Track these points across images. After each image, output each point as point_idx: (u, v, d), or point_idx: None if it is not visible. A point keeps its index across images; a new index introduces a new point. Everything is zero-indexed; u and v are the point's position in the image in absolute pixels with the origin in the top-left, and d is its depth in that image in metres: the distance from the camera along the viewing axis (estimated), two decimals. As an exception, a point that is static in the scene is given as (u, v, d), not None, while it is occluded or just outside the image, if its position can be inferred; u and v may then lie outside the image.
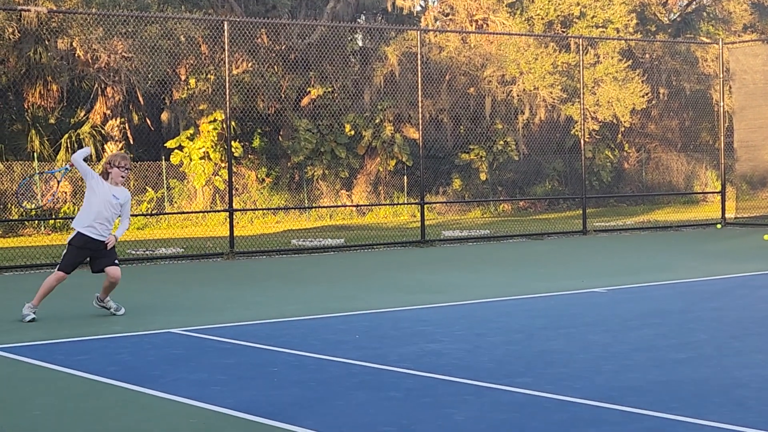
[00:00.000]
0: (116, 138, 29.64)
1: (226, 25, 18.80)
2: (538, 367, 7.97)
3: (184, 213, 27.59)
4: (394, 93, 30.20)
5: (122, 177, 11.11)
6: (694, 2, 39.53)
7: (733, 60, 26.32)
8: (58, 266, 11.00)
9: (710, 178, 35.62)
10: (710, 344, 8.86)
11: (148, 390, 7.33)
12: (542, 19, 31.57)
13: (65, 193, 27.10)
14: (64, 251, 11.02)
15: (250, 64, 28.95)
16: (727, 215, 25.00)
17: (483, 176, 31.81)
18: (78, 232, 10.98)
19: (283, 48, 29.73)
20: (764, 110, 25.81)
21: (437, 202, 30.00)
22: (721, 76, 25.70)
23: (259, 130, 30.57)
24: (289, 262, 17.54)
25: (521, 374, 7.69)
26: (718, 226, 24.30)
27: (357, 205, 29.24)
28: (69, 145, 28.44)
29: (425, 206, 21.04)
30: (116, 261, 11.20)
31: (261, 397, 7.08)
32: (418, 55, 21.12)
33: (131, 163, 11.51)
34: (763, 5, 40.80)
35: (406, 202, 30.22)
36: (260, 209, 28.48)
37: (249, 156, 30.62)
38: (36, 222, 25.63)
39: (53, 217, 25.80)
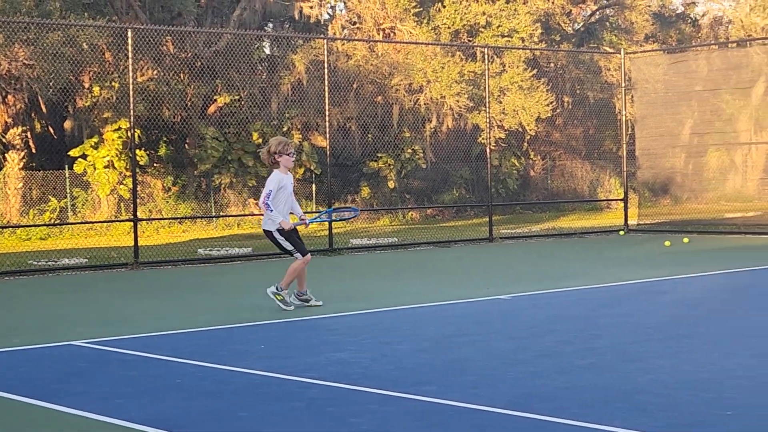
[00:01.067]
0: (18, 147, 29.12)
1: (129, 33, 18.59)
2: (444, 375, 8.00)
3: (87, 223, 27.20)
4: (301, 101, 30.15)
5: (293, 162, 11.96)
6: (598, 12, 40.12)
7: (634, 69, 26.78)
8: (295, 253, 11.90)
9: (614, 186, 36.17)
10: (612, 350, 8.98)
11: (51, 405, 7.20)
12: (449, 28, 31.78)
13: None
14: (282, 240, 11.82)
15: (155, 72, 28.68)
16: (629, 222, 25.41)
17: (391, 184, 31.90)
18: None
19: (189, 56, 29.49)
20: (665, 119, 26.31)
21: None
22: (624, 85, 26.12)
23: (164, 139, 30.29)
24: (196, 272, 17.39)
25: (427, 382, 7.71)
26: (621, 232, 24.68)
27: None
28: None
29: (333, 215, 20.98)
30: None
31: (166, 410, 7.00)
32: (325, 64, 21.11)
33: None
34: (664, 16, 41.61)
35: (314, 210, 30.18)
36: (166, 218, 28.20)
37: (155, 164, 30.31)
38: None
39: None
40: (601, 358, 8.56)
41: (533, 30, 32.17)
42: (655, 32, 40.24)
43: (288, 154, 11.64)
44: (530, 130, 31.00)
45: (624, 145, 26.21)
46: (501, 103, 30.42)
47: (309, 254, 11.94)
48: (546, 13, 34.67)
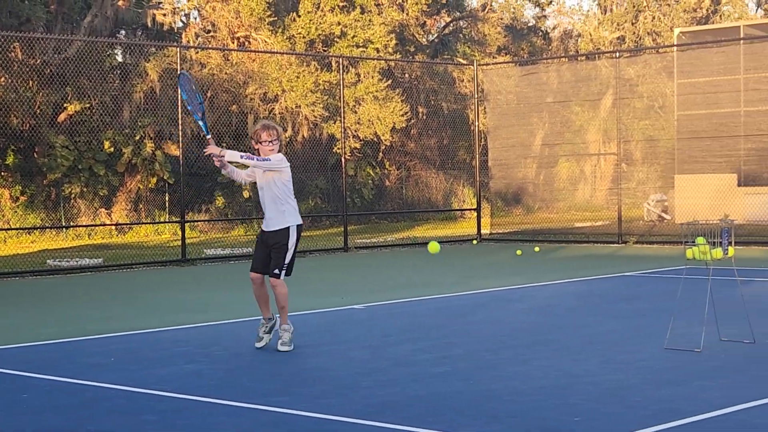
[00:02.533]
0: None
1: (-25, 38, 18.07)
2: (297, 386, 7.96)
3: (-69, 233, 26.31)
4: (154, 110, 29.73)
5: (271, 150, 9.56)
6: (452, 24, 40.62)
7: (487, 81, 27.19)
8: (283, 271, 9.60)
9: (467, 195, 36.62)
10: (466, 358, 9.07)
11: None
12: (304, 38, 31.75)
13: None
14: (290, 252, 9.59)
15: (2, 79, 27.93)
16: (482, 231, 25.75)
17: (246, 194, 31.66)
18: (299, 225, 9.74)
19: (38, 62, 28.81)
20: (517, 130, 26.78)
21: (199, 221, 29.67)
22: (476, 96, 26.48)
23: (12, 147, 29.49)
24: (45, 284, 16.96)
25: (279, 393, 7.66)
26: (475, 242, 24.99)
27: (116, 224, 28.60)
28: None
29: (187, 224, 20.77)
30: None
31: (14, 426, 6.79)
32: (179, 72, 20.84)
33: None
34: (516, 29, 42.34)
35: (167, 220, 29.78)
36: (14, 229, 27.46)
37: (2, 174, 29.50)
38: None
39: None
40: (455, 366, 8.64)
41: (388, 41, 32.36)
42: (507, 44, 40.91)
43: (261, 143, 9.53)
44: (385, 140, 31.16)
45: (477, 156, 26.56)
46: (356, 113, 30.51)
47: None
48: (401, 24, 34.92)
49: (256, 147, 9.49)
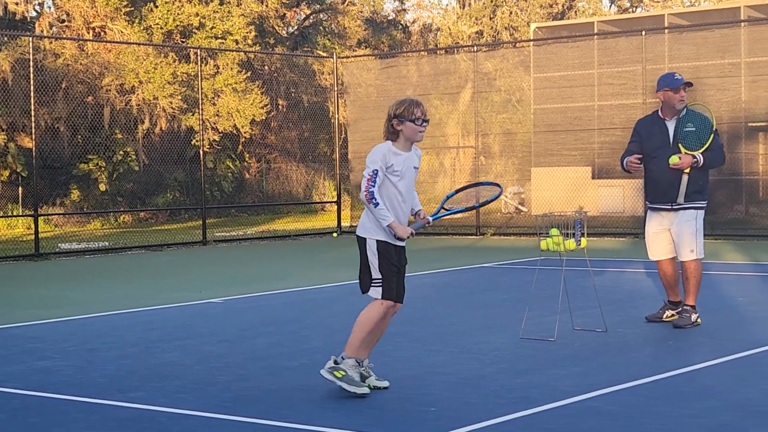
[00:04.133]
0: None
1: None
2: (152, 381, 7.83)
3: None
4: (6, 101, 28.94)
5: (422, 134, 7.54)
6: (312, 17, 40.55)
7: (347, 74, 27.22)
8: (378, 288, 7.50)
9: (328, 188, 36.63)
10: (323, 351, 9.02)
11: None
12: (161, 28, 31.31)
13: None
14: (374, 261, 7.48)
15: None
16: (343, 224, 25.77)
17: (102, 187, 31.09)
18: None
19: None
20: (377, 123, 26.83)
21: (53, 214, 29.02)
22: (336, 89, 26.49)
23: None
24: None
25: (134, 389, 7.52)
26: (335, 234, 25.01)
27: (-33, 218, 27.79)
28: None
29: (41, 218, 20.29)
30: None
31: None
32: (31, 62, 20.34)
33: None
34: (376, 22, 42.49)
35: (20, 214, 29.03)
36: None
37: None
38: None
39: None
40: (312, 359, 8.61)
41: (247, 32, 32.13)
42: (367, 38, 41.04)
43: (413, 121, 7.39)
44: (245, 133, 30.94)
45: (337, 149, 26.58)
46: (215, 105, 30.21)
47: (400, 303, 7.59)
48: (260, 16, 34.72)
49: (399, 128, 7.40)
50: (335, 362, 7.37)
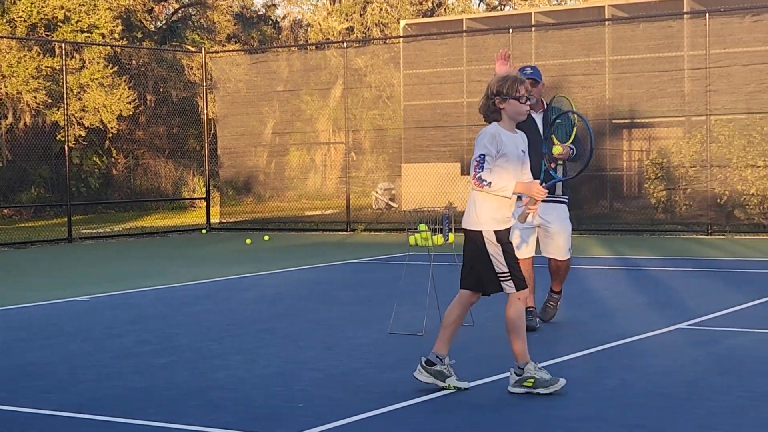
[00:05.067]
0: None
1: None
2: (14, 381, 7.65)
3: None
4: None
5: (527, 111, 7.14)
6: (180, 11, 40.10)
7: (217, 69, 27.00)
8: (509, 282, 7.09)
9: (198, 184, 36.29)
10: (191, 348, 8.96)
11: None
12: (25, 21, 30.58)
13: None
14: (496, 255, 7.02)
15: None
16: (212, 220, 25.57)
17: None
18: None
19: None
20: (246, 118, 26.71)
21: None
22: (205, 84, 26.26)
23: None
24: None
25: (-5, 390, 7.35)
26: (204, 231, 24.79)
27: None
28: None
29: None
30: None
31: None
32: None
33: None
34: (246, 17, 42.23)
35: None
36: None
37: None
38: None
39: None
40: (180, 357, 8.52)
41: (114, 26, 31.61)
42: (237, 32, 40.76)
43: (517, 98, 6.98)
44: (112, 128, 30.44)
45: (206, 144, 26.35)
46: (81, 99, 29.66)
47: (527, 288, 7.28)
48: (127, 10, 34.19)
49: (502, 106, 6.99)
50: (516, 374, 6.94)
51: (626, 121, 24.60)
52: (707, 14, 21.39)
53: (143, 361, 8.38)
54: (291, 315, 10.86)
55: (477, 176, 6.84)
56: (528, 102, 7.00)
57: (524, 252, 9.56)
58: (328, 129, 28.61)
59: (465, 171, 25.30)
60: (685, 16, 23.33)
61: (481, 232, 6.97)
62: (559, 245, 9.61)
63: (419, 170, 24.94)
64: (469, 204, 7.05)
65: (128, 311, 11.41)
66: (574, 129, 9.46)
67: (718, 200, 20.67)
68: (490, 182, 6.80)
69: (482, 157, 6.86)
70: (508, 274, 6.97)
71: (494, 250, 6.96)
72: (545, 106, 9.65)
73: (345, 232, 23.62)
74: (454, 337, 7.17)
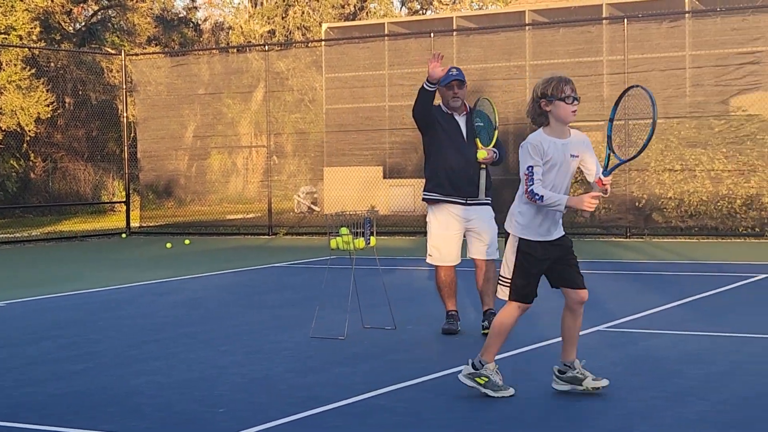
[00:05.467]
0: None
1: None
2: (-73, 389, 7.51)
3: None
4: None
5: (574, 113, 6.92)
6: (100, 13, 39.65)
7: (136, 72, 26.74)
8: (505, 289, 7.02)
9: (117, 188, 35.90)
10: (110, 353, 8.87)
11: None
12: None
13: None
14: (509, 257, 6.99)
15: None
16: (132, 224, 25.32)
17: None
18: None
19: None
20: (167, 121, 26.51)
21: None
22: (125, 87, 26.01)
23: None
24: None
25: None
26: (123, 235, 24.55)
27: None
28: None
29: None
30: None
31: None
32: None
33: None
34: (167, 19, 41.90)
35: None
36: None
37: None
38: None
39: None
40: (99, 362, 8.43)
41: (32, 28, 31.18)
42: (158, 35, 40.42)
43: (563, 99, 6.79)
44: (30, 131, 30.01)
45: (126, 148, 26.09)
46: (-2, 102, 29.22)
47: (530, 303, 7.03)
48: (45, 11, 33.73)
49: (548, 109, 6.82)
50: (474, 367, 6.91)
51: (497, 128, 24.79)
52: (625, 20, 21.67)
53: (61, 367, 8.27)
54: (212, 320, 10.79)
55: (529, 190, 6.68)
56: (576, 102, 6.82)
57: (450, 258, 9.49)
58: (249, 132, 28.49)
59: (387, 175, 25.35)
60: (604, 21, 23.61)
61: (509, 233, 6.96)
62: (483, 245, 9.49)
63: (341, 174, 24.94)
64: (514, 205, 6.98)
65: (46, 316, 11.26)
66: (496, 132, 9.49)
67: (637, 204, 20.95)
68: (542, 196, 6.66)
69: (530, 169, 6.69)
70: (509, 282, 6.92)
71: (509, 255, 6.94)
72: (468, 108, 9.57)
73: (267, 236, 23.54)
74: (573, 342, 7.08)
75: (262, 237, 23.46)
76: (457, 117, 9.53)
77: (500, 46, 23.97)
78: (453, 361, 8.15)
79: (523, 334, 9.33)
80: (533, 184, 6.66)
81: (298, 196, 27.18)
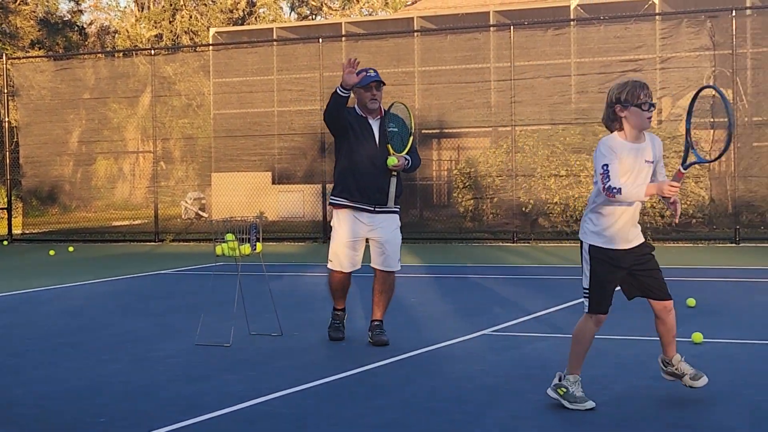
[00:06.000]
0: None
1: None
2: None
3: None
4: None
5: (649, 120, 6.67)
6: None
7: (19, 75, 26.22)
8: (584, 301, 6.82)
9: None
10: (-12, 364, 8.65)
11: None
12: None
13: None
14: (586, 267, 6.77)
15: None
16: (14, 231, 24.80)
17: None
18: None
19: None
20: (50, 126, 26.02)
21: None
22: (6, 91, 25.47)
23: None
24: None
25: None
26: (5, 242, 24.03)
27: None
28: None
29: None
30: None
31: None
32: None
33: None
34: (51, 23, 41.17)
35: None
36: None
37: None
38: None
39: None
40: (-25, 373, 8.22)
41: None
42: (41, 38, 39.69)
43: (639, 105, 6.55)
44: None
45: (8, 153, 25.54)
46: None
47: (604, 313, 6.82)
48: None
49: (622, 114, 6.59)
50: (559, 378, 6.80)
51: (435, 131, 25.00)
52: (512, 27, 21.92)
53: (-64, 378, 8.04)
54: (96, 328, 10.60)
55: (606, 187, 6.46)
56: (651, 109, 6.59)
57: (350, 266, 9.21)
58: (136, 138, 28.12)
59: (276, 180, 25.25)
60: (491, 28, 23.87)
61: (582, 242, 6.78)
62: (387, 256, 9.22)
63: (230, 179, 24.77)
64: (586, 215, 6.82)
65: None
66: (411, 138, 9.34)
67: (524, 209, 21.20)
68: (620, 188, 6.44)
69: (606, 167, 6.50)
70: (588, 292, 6.75)
71: (584, 265, 6.75)
72: (383, 113, 9.31)
73: (153, 243, 23.26)
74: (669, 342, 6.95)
75: (148, 243, 23.17)
76: (371, 121, 9.22)
77: (389, 52, 24.07)
78: (339, 366, 8.14)
79: (410, 339, 9.37)
80: (609, 180, 6.46)
81: (186, 202, 26.91)
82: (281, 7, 50.33)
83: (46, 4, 41.38)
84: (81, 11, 45.29)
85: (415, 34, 24.98)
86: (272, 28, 30.14)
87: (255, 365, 8.36)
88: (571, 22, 23.08)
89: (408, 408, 6.79)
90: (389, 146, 9.15)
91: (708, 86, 6.97)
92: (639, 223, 6.78)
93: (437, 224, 23.91)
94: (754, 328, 9.72)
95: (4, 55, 27.08)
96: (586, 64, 22.30)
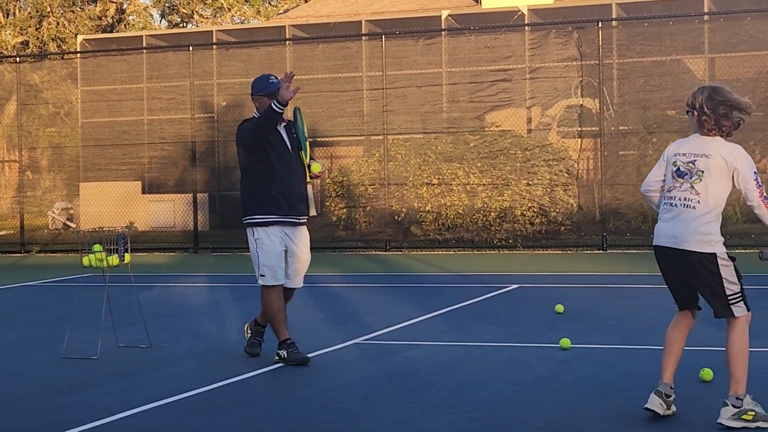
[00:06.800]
0: None
1: None
2: None
3: None
4: None
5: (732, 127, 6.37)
6: None
7: None
8: (739, 305, 6.27)
9: None
10: None
11: None
12: None
13: None
14: (728, 275, 6.31)
15: None
16: None
17: None
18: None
19: None
20: None
21: None
22: None
23: None
24: None
25: None
26: None
27: None
28: None
29: None
30: None
31: None
32: None
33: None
34: None
35: None
36: None
37: None
38: None
39: None
40: None
41: None
42: None
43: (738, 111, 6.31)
44: None
45: None
46: None
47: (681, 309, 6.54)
48: None
49: (725, 123, 6.31)
50: (735, 406, 6.10)
51: (308, 139, 24.92)
52: (383, 36, 22.01)
53: None
54: (-43, 342, 10.29)
55: (764, 196, 6.16)
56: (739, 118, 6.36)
57: (281, 276, 8.80)
58: (1, 147, 27.45)
59: (146, 190, 24.88)
60: (363, 38, 23.93)
61: (714, 254, 6.23)
62: (300, 272, 9.00)
63: (98, 189, 24.30)
64: (690, 225, 6.26)
65: None
66: (307, 144, 9.15)
67: (396, 217, 21.27)
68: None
69: (756, 174, 6.19)
70: (740, 294, 6.28)
71: (727, 273, 6.24)
72: (285, 121, 9.00)
73: (19, 254, 22.70)
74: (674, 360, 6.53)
75: (13, 255, 22.61)
76: (279, 128, 8.87)
77: (260, 60, 23.95)
78: (210, 376, 8.04)
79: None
80: (761, 186, 6.18)
81: (53, 212, 26.33)
82: (151, 15, 49.73)
83: None
84: (-57, 17, 44.08)
85: (287, 42, 24.90)
86: (142, 36, 29.74)
87: (124, 377, 8.20)
88: (442, 32, 23.28)
89: (279, 419, 6.73)
90: (302, 153, 8.92)
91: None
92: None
93: (310, 233, 23.80)
94: (621, 333, 9.89)
95: None
96: (457, 74, 22.49)
